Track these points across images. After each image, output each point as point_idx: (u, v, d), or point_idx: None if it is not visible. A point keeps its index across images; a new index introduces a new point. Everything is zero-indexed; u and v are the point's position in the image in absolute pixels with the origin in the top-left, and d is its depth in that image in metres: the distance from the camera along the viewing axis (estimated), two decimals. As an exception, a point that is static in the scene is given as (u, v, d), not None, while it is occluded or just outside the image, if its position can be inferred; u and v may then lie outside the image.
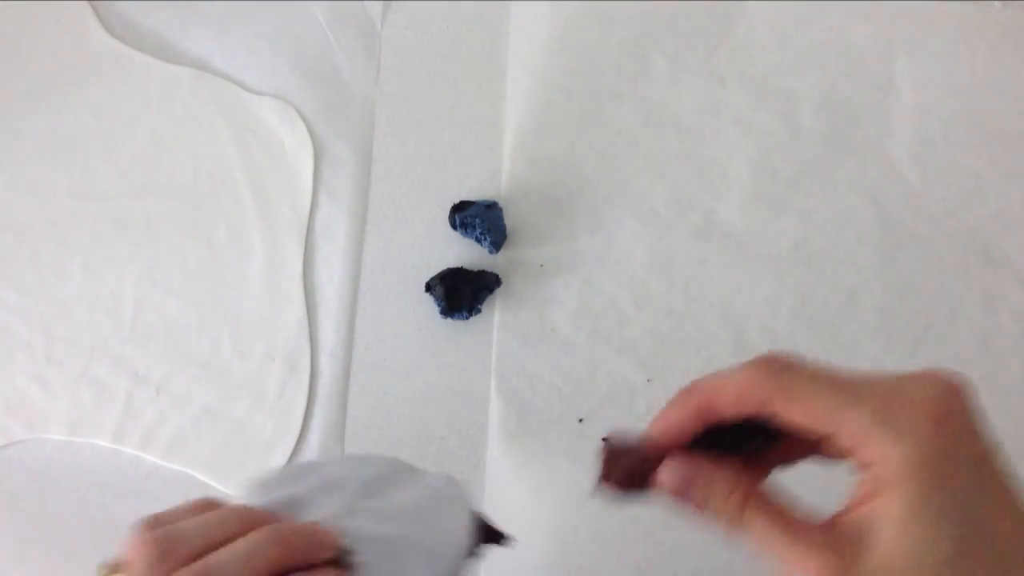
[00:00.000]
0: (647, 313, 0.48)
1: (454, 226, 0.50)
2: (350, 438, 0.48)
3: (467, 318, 0.48)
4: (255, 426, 0.48)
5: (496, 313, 0.49)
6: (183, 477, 0.48)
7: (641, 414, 0.47)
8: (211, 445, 0.48)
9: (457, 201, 0.50)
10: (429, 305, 0.49)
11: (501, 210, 0.49)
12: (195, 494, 0.47)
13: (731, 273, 0.49)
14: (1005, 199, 0.49)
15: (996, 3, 0.52)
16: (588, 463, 0.46)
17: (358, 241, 0.51)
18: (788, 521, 0.21)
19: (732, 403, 0.22)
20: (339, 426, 0.48)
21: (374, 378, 0.49)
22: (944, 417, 0.20)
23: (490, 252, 0.49)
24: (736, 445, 0.24)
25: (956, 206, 0.49)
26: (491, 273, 0.49)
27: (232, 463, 0.47)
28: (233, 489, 0.47)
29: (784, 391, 0.21)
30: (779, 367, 0.22)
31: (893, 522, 0.19)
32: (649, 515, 0.45)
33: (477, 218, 0.48)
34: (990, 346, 0.47)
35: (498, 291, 0.49)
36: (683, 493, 0.23)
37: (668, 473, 0.23)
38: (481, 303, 0.48)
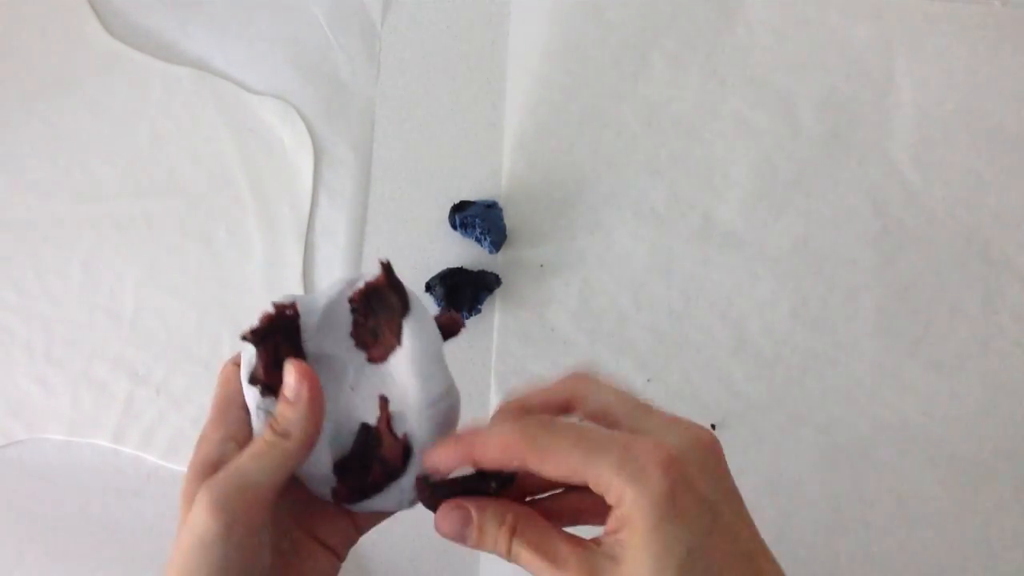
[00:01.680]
0: (647, 313, 0.48)
1: (454, 226, 0.50)
2: (350, 438, 0.48)
3: (467, 318, 0.48)
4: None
5: (496, 313, 0.49)
6: (183, 477, 0.48)
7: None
8: (211, 445, 0.48)
9: (457, 201, 0.50)
10: (429, 305, 0.49)
11: (501, 210, 0.49)
12: (195, 494, 0.47)
13: (731, 273, 0.49)
14: (1005, 199, 0.50)
15: (996, 3, 0.52)
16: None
17: (358, 241, 0.51)
18: (549, 551, 0.25)
19: (493, 459, 0.25)
20: (339, 426, 0.48)
21: (374, 378, 0.49)
22: (669, 465, 0.23)
23: (490, 252, 0.49)
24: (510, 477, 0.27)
25: (956, 206, 0.49)
26: (491, 273, 0.49)
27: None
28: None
29: (536, 451, 0.24)
30: (534, 426, 0.25)
31: (633, 550, 0.23)
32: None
33: (477, 218, 0.48)
34: (990, 346, 0.47)
35: (498, 291, 0.49)
36: (460, 538, 0.26)
37: (443, 520, 0.26)
38: (481, 303, 0.48)
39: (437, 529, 0.27)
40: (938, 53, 0.51)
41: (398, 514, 0.48)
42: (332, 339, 0.30)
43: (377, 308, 0.30)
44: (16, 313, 0.50)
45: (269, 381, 0.29)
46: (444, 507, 0.26)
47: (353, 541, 0.31)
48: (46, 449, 0.48)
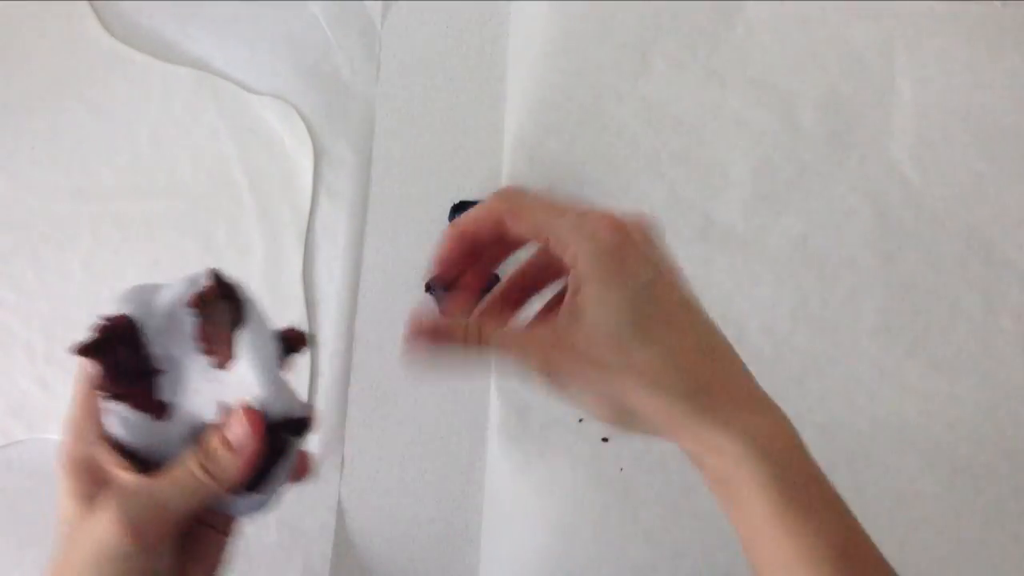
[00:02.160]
0: (647, 313, 0.48)
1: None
2: (350, 438, 0.48)
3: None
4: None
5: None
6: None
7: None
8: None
9: (456, 202, 0.50)
10: (428, 305, 0.49)
11: None
12: (195, 494, 0.47)
13: (731, 273, 0.49)
14: (1005, 199, 0.49)
15: (996, 3, 0.52)
16: (588, 463, 0.46)
17: (358, 241, 0.51)
18: (517, 330, 0.29)
19: (479, 221, 0.29)
20: (339, 426, 0.48)
21: (374, 378, 0.49)
22: (617, 227, 0.27)
23: None
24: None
25: (956, 206, 0.49)
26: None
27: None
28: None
29: (511, 211, 0.28)
30: (510, 193, 0.29)
31: (591, 303, 0.27)
32: (650, 516, 0.45)
33: None
34: (990, 346, 0.47)
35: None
36: (435, 333, 0.29)
37: (414, 329, 0.29)
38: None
39: (234, 431, 0.28)
40: (938, 53, 0.51)
41: (399, 513, 0.48)
42: (177, 341, 0.29)
43: (213, 316, 0.29)
44: (16, 313, 0.50)
45: (118, 391, 0.28)
46: (255, 418, 0.28)
47: (234, 521, 0.31)
48: (46, 449, 0.48)
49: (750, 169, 0.50)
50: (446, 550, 0.47)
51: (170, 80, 0.53)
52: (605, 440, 0.46)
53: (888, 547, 0.45)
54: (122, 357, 0.28)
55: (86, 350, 0.28)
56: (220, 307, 0.29)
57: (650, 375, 0.26)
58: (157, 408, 0.29)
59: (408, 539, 0.47)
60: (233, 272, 0.53)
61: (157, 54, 0.54)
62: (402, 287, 0.50)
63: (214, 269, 0.30)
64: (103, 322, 0.28)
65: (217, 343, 0.29)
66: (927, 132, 0.50)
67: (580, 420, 0.47)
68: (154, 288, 0.30)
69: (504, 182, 0.51)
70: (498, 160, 0.52)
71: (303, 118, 0.52)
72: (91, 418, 0.29)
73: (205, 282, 0.29)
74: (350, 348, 0.49)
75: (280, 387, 0.29)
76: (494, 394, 0.48)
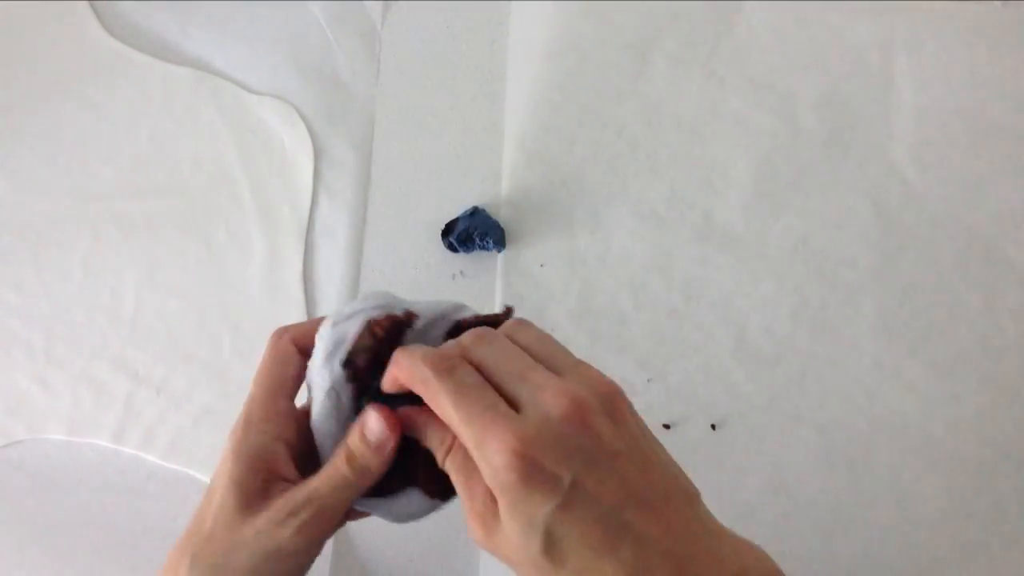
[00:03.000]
0: (647, 313, 0.48)
1: (453, 249, 0.49)
2: (350, 438, 0.48)
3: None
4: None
5: (496, 312, 0.49)
6: (183, 477, 0.48)
7: (641, 413, 0.47)
8: (211, 445, 0.48)
9: (447, 222, 0.50)
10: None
11: (484, 210, 0.49)
12: (195, 494, 0.47)
13: (731, 273, 0.49)
14: (1005, 199, 0.49)
15: (996, 3, 0.52)
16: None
17: (358, 241, 0.51)
18: (469, 480, 0.27)
19: (408, 385, 0.28)
20: (339, 426, 0.48)
21: (374, 378, 0.49)
22: (514, 453, 0.25)
23: (498, 251, 0.49)
24: None
25: (956, 206, 0.49)
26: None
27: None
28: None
29: (429, 397, 0.27)
30: (434, 371, 0.27)
31: (504, 521, 0.26)
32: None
33: (468, 230, 0.48)
34: (990, 346, 0.47)
35: (498, 291, 0.49)
36: (392, 432, 0.29)
37: (380, 419, 0.29)
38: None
39: (370, 428, 0.28)
40: (938, 53, 0.51)
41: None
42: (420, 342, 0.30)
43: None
44: (16, 313, 0.50)
45: (364, 378, 0.29)
46: (388, 414, 0.28)
47: (360, 517, 0.32)
48: (46, 449, 0.48)
49: (750, 169, 0.50)
50: (446, 550, 0.47)
51: (170, 80, 0.53)
52: None
53: (888, 547, 0.45)
54: (386, 349, 0.29)
55: (378, 335, 0.29)
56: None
57: None
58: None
59: (408, 539, 0.47)
60: (233, 272, 0.53)
61: (157, 54, 0.54)
62: (402, 287, 0.50)
63: (511, 307, 0.31)
64: (399, 315, 0.29)
65: None
66: (927, 132, 0.50)
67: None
68: (400, 298, 0.31)
69: (504, 182, 0.51)
70: (498, 160, 0.52)
71: (303, 118, 0.52)
72: (273, 414, 0.30)
73: (465, 317, 0.31)
74: (350, 348, 0.49)
75: None
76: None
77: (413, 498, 0.30)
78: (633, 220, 0.50)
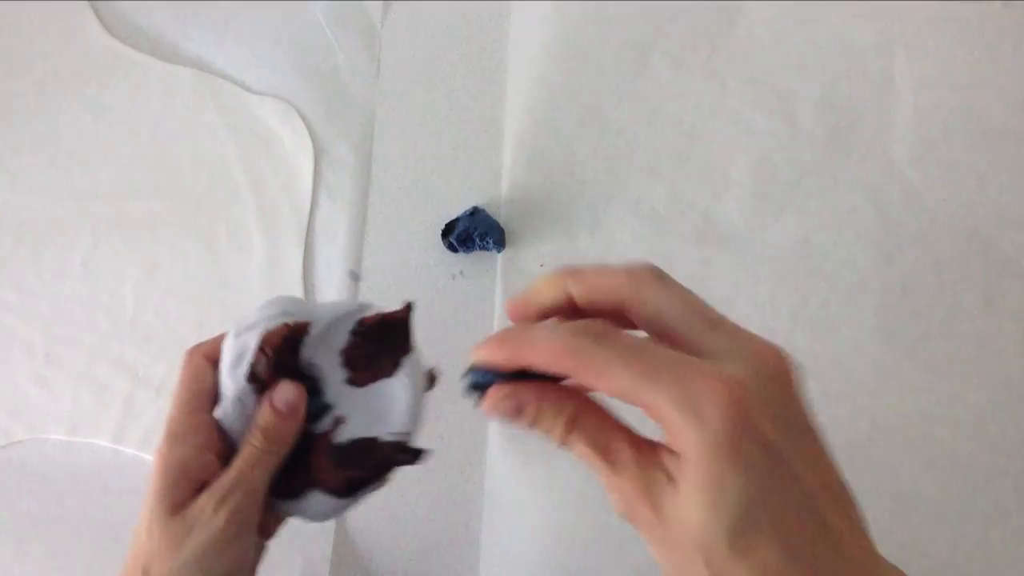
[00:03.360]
0: (647, 313, 0.48)
1: (453, 249, 0.49)
2: (350, 438, 0.48)
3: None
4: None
5: (496, 313, 0.49)
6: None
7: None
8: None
9: (446, 223, 0.50)
10: (431, 305, 0.49)
11: (484, 210, 0.49)
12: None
13: (731, 273, 0.49)
14: (1005, 199, 0.49)
15: (996, 3, 0.52)
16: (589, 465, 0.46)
17: (358, 241, 0.51)
18: (608, 450, 0.23)
19: (543, 364, 0.23)
20: (339, 426, 0.48)
21: (374, 378, 0.49)
22: (730, 404, 0.21)
23: (498, 252, 0.49)
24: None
25: (956, 206, 0.49)
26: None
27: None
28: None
29: (586, 367, 0.22)
30: (584, 338, 0.22)
31: (689, 487, 0.21)
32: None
33: (468, 230, 0.48)
34: (990, 346, 0.47)
35: (498, 291, 0.49)
36: (516, 417, 0.24)
37: (498, 401, 0.24)
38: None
39: (486, 411, 0.24)
40: (938, 53, 0.51)
41: (399, 513, 0.48)
42: (323, 352, 0.32)
43: (384, 339, 0.32)
44: (16, 313, 0.50)
45: (269, 383, 0.31)
46: (496, 393, 0.24)
47: (282, 523, 0.34)
48: (46, 449, 0.48)
49: (750, 169, 0.50)
50: (446, 550, 0.47)
51: (170, 80, 0.53)
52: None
53: (889, 547, 0.45)
54: (285, 357, 0.31)
55: (271, 352, 0.31)
56: (400, 333, 0.32)
57: None
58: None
59: (408, 539, 0.47)
60: (233, 272, 0.53)
61: (157, 54, 0.54)
62: (402, 287, 0.50)
63: (412, 302, 0.32)
64: (285, 325, 0.31)
65: (378, 363, 0.32)
66: (927, 132, 0.50)
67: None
68: (303, 302, 0.32)
69: (504, 182, 0.51)
70: (498, 160, 0.52)
71: (303, 118, 0.52)
72: (194, 427, 0.31)
73: (367, 315, 0.32)
74: (350, 348, 0.49)
75: (418, 419, 0.32)
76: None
77: (319, 498, 0.31)
78: (633, 220, 0.50)
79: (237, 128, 0.52)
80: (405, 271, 0.50)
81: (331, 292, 0.50)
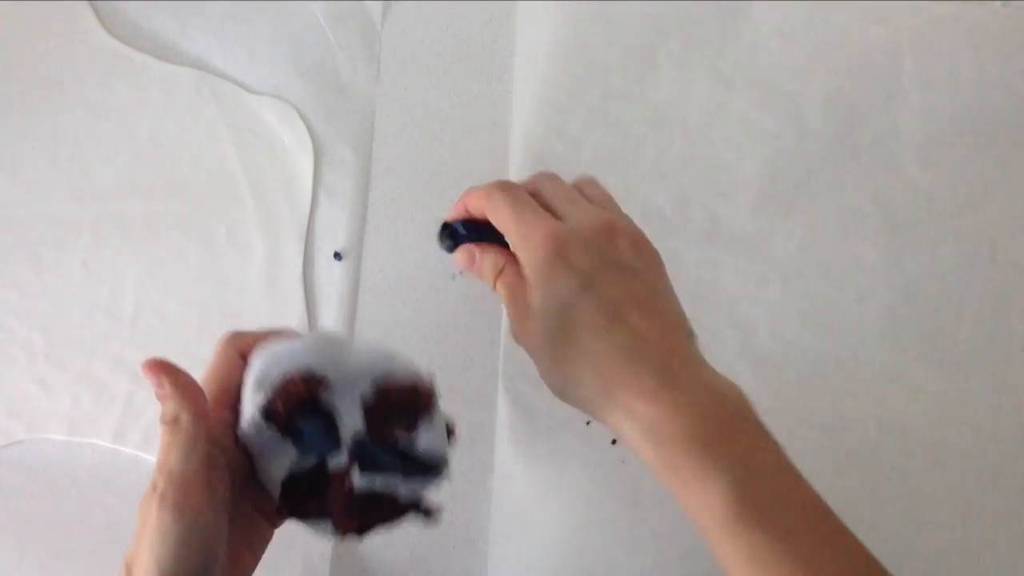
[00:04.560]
0: (651, 314, 0.48)
1: (450, 250, 0.48)
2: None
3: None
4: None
5: (502, 316, 0.49)
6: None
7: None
8: (211, 446, 0.48)
9: (443, 223, 0.49)
10: (431, 305, 0.49)
11: None
12: (195, 495, 0.47)
13: (738, 275, 0.48)
14: (1012, 200, 0.49)
15: (997, 3, 0.51)
16: (597, 466, 0.45)
17: (358, 241, 0.51)
18: (516, 291, 0.35)
19: (474, 208, 0.38)
20: (339, 428, 0.48)
21: (375, 379, 0.48)
22: (549, 241, 0.33)
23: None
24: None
25: (963, 207, 0.49)
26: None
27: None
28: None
29: (489, 205, 0.36)
30: (495, 188, 0.36)
31: (532, 305, 0.33)
32: (659, 518, 0.45)
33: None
34: (997, 347, 0.47)
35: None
36: (469, 267, 0.38)
37: (459, 254, 0.39)
38: None
39: (455, 261, 0.39)
40: (945, 54, 0.51)
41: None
42: (343, 396, 0.32)
43: (408, 404, 0.32)
44: (16, 313, 0.50)
45: (283, 422, 0.31)
46: (459, 250, 0.39)
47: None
48: (46, 449, 0.48)
49: (757, 171, 0.50)
50: (449, 551, 0.46)
51: (170, 80, 0.53)
52: (614, 442, 0.46)
53: (896, 548, 0.45)
54: (301, 406, 0.31)
55: (284, 415, 0.31)
56: (420, 402, 0.33)
57: (572, 372, 0.32)
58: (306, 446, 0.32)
59: (409, 539, 0.46)
60: (233, 272, 0.53)
61: (157, 54, 0.54)
62: (403, 288, 0.50)
63: (433, 379, 0.33)
64: (308, 380, 0.31)
65: (380, 420, 0.32)
66: (934, 133, 0.50)
67: (588, 423, 0.46)
68: (337, 343, 0.33)
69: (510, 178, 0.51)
70: (499, 160, 0.51)
71: (303, 118, 0.52)
72: (214, 422, 0.32)
73: (395, 383, 0.32)
74: (350, 349, 0.49)
75: (437, 478, 0.33)
76: (502, 396, 0.47)
77: (328, 527, 0.32)
78: (639, 222, 0.49)
79: (237, 128, 0.52)
80: (405, 271, 0.50)
81: (331, 292, 0.50)
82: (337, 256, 0.50)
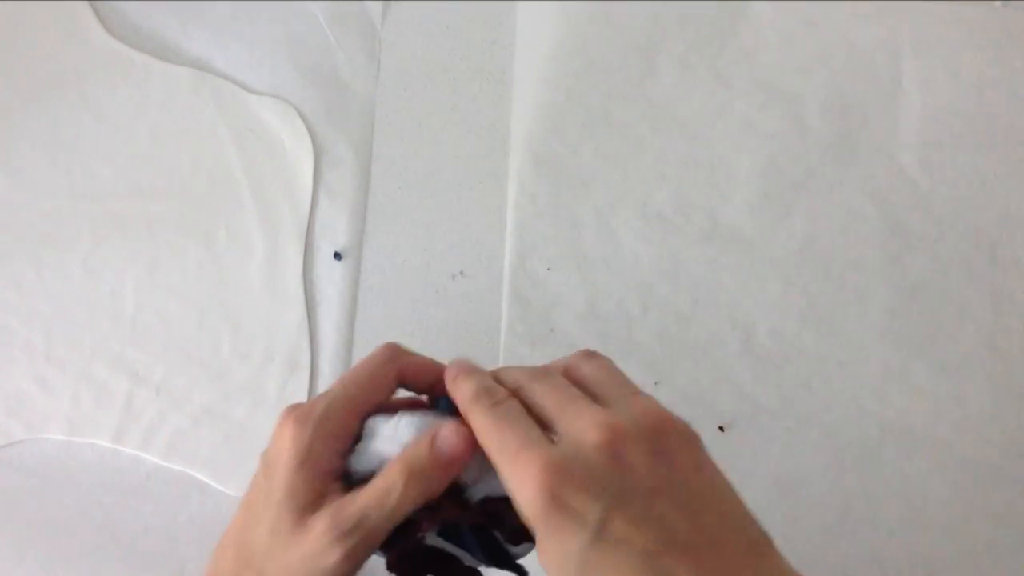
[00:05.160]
0: (654, 316, 0.48)
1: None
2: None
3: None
4: (255, 426, 0.48)
5: (503, 316, 0.49)
6: (183, 477, 0.47)
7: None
8: (211, 445, 0.48)
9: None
10: (431, 305, 0.49)
11: None
12: (195, 494, 0.47)
13: (738, 275, 0.48)
14: (1012, 200, 0.49)
15: (997, 3, 0.51)
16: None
17: (358, 241, 0.51)
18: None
19: (462, 410, 0.28)
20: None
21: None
22: (542, 485, 0.24)
23: None
24: None
25: (963, 207, 0.49)
26: None
27: (232, 463, 0.47)
28: (233, 490, 0.47)
29: (473, 425, 0.27)
30: (477, 406, 0.27)
31: (538, 547, 0.24)
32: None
33: None
34: (998, 348, 0.47)
35: (505, 295, 0.49)
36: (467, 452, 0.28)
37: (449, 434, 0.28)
38: None
39: (443, 436, 0.27)
40: (945, 55, 0.51)
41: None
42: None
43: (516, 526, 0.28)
44: (16, 313, 0.50)
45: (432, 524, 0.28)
46: (467, 431, 0.28)
47: None
48: (46, 449, 0.48)
49: (757, 171, 0.50)
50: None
51: (170, 80, 0.53)
52: None
53: (896, 549, 0.45)
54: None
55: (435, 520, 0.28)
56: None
57: None
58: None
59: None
60: (233, 272, 0.53)
61: (157, 54, 0.54)
62: (402, 288, 0.50)
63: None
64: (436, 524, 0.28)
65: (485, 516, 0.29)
66: (934, 134, 0.50)
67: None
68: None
69: (510, 184, 0.51)
70: (500, 160, 0.51)
71: (303, 118, 0.52)
72: (348, 428, 0.28)
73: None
74: (350, 349, 0.49)
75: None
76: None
77: (380, 564, 0.29)
78: (640, 222, 0.49)
79: (237, 128, 0.52)
80: (405, 271, 0.50)
81: (331, 292, 0.50)
82: (337, 256, 0.50)
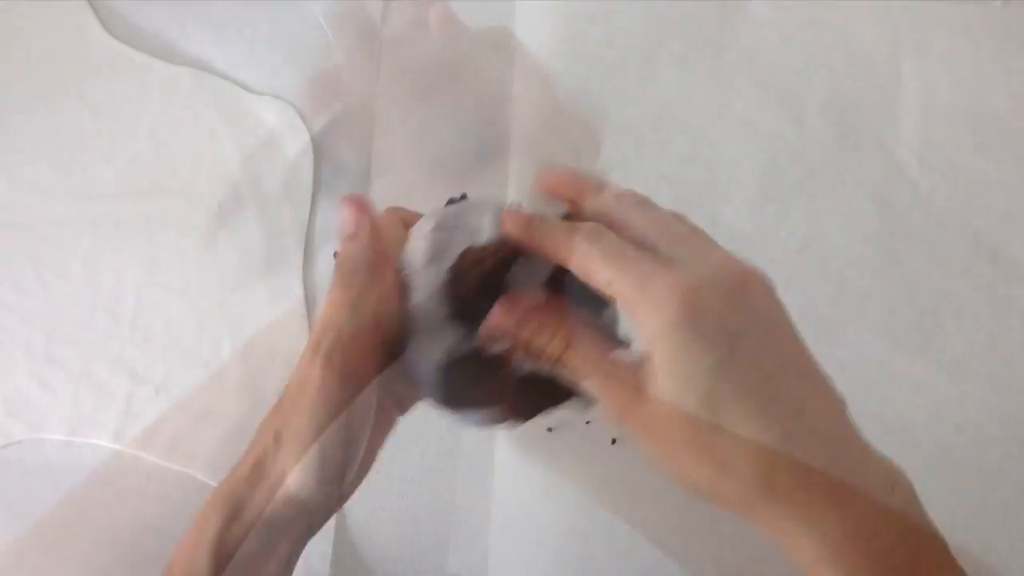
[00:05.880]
0: (651, 314, 0.48)
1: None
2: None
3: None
4: (255, 426, 0.48)
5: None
6: (183, 477, 0.47)
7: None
8: (211, 445, 0.48)
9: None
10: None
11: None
12: (195, 494, 0.47)
13: (736, 274, 0.48)
14: (1012, 200, 0.49)
15: (997, 3, 0.51)
16: (596, 466, 0.45)
17: (358, 241, 0.51)
18: (602, 362, 0.26)
19: (552, 255, 0.27)
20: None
21: (375, 379, 0.48)
22: (684, 295, 0.24)
23: None
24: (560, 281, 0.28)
25: (962, 207, 0.49)
26: None
27: (232, 463, 0.47)
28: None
29: (578, 259, 0.26)
30: (582, 237, 0.26)
31: (661, 376, 0.24)
32: (659, 519, 0.45)
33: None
34: (997, 347, 0.47)
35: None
36: (514, 333, 0.27)
37: (503, 312, 0.27)
38: None
39: (492, 322, 0.27)
40: (945, 54, 0.51)
41: (401, 513, 0.48)
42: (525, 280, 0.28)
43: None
44: (16, 313, 0.50)
45: (463, 296, 0.27)
46: (504, 300, 0.27)
47: (418, 398, 0.31)
48: (46, 449, 0.48)
49: (757, 171, 0.50)
50: (448, 551, 0.46)
51: (170, 80, 0.53)
52: (614, 442, 0.46)
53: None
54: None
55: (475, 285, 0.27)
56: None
57: (722, 465, 0.24)
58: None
59: (410, 539, 0.46)
60: (233, 272, 0.53)
61: (157, 54, 0.54)
62: (403, 288, 0.50)
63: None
64: (495, 249, 0.27)
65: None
66: (934, 133, 0.50)
67: (587, 422, 0.46)
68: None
69: (510, 184, 0.51)
70: (504, 162, 0.51)
71: (303, 118, 0.52)
72: (372, 302, 0.28)
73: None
74: (350, 349, 0.49)
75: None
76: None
77: (482, 416, 0.28)
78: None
79: (237, 128, 0.52)
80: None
81: (332, 293, 0.50)
82: (337, 256, 0.50)
